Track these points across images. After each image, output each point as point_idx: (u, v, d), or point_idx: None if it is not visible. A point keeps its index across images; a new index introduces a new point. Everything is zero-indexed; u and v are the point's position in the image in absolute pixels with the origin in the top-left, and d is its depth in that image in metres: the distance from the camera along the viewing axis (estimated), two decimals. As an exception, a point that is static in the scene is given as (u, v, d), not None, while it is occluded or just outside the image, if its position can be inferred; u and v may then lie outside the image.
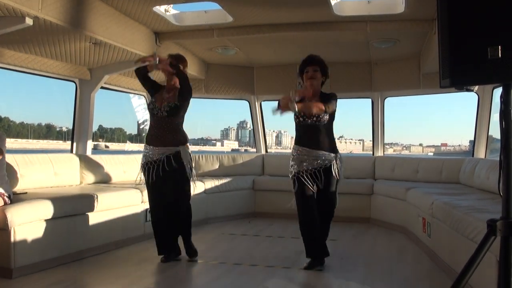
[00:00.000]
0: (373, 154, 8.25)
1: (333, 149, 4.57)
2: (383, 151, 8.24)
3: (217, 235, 6.21)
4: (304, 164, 4.46)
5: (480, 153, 6.85)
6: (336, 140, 4.76)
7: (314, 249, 4.42)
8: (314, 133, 4.51)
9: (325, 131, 4.54)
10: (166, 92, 4.78)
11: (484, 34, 2.21)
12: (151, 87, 4.88)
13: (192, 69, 7.34)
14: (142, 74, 4.81)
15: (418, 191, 5.83)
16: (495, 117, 6.73)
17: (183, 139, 4.77)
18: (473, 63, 2.26)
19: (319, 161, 4.46)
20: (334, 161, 4.51)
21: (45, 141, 42.06)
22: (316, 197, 4.49)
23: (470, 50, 2.26)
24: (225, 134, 64.38)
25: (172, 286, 4.13)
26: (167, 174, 4.60)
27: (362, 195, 7.16)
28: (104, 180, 6.35)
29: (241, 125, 61.25)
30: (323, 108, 4.31)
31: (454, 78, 2.34)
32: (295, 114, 4.48)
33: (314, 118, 4.45)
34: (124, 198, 5.28)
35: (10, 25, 4.26)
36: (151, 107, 4.73)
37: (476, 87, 2.79)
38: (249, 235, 6.20)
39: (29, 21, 4.21)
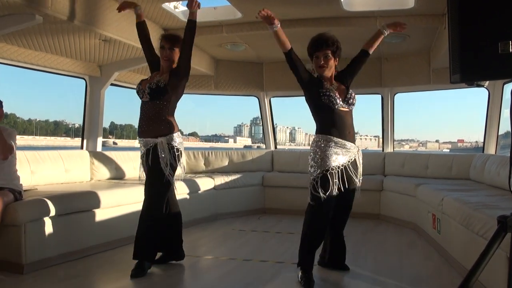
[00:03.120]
0: (382, 150, 8.22)
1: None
2: (393, 147, 8.21)
3: (226, 231, 6.22)
4: (340, 157, 3.90)
5: (491, 149, 6.81)
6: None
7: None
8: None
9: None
10: (158, 74, 4.26)
11: (494, 29, 2.20)
12: (156, 63, 4.34)
13: (201, 66, 7.36)
14: (140, 35, 4.39)
15: (428, 187, 5.81)
16: (506, 113, 6.69)
17: (166, 129, 4.12)
18: (483, 58, 2.25)
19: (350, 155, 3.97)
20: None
21: (52, 137, 42.11)
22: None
23: (481, 45, 2.25)
24: (238, 131, 64.08)
25: (181, 281, 4.15)
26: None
27: (372, 191, 7.11)
28: (114, 176, 6.39)
29: (255, 122, 60.79)
30: None
31: (464, 74, 2.33)
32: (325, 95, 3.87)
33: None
34: (134, 195, 5.29)
35: (21, 22, 4.29)
36: (137, 90, 4.26)
37: (486, 83, 2.77)
38: (258, 231, 6.21)
39: (39, 19, 4.24)
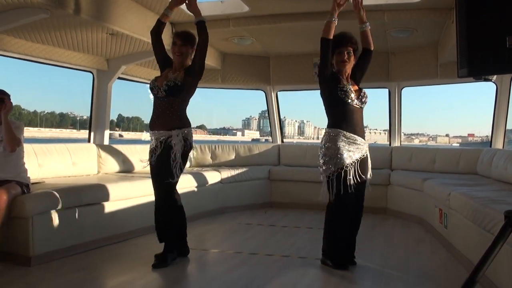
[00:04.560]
0: (390, 144, 8.20)
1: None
2: (401, 141, 8.19)
3: (233, 225, 6.23)
4: (352, 153, 4.06)
5: (498, 143, 6.78)
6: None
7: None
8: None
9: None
10: (171, 71, 4.33)
11: (502, 23, 2.19)
12: (163, 58, 4.45)
13: (208, 60, 7.33)
14: (156, 30, 4.37)
15: (435, 182, 5.79)
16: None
17: (179, 123, 4.25)
18: (491, 52, 2.24)
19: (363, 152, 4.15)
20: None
21: (57, 129, 42.19)
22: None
23: (488, 39, 2.24)
24: (246, 124, 63.91)
25: (189, 274, 4.17)
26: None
27: (379, 185, 7.08)
28: (121, 169, 6.42)
29: (263, 115, 60.48)
30: None
31: (472, 68, 2.32)
32: (342, 90, 4.05)
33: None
34: (141, 187, 5.30)
35: (27, 16, 4.30)
36: (151, 87, 4.30)
37: (494, 77, 2.76)
38: (265, 225, 6.22)
39: (46, 12, 4.24)
